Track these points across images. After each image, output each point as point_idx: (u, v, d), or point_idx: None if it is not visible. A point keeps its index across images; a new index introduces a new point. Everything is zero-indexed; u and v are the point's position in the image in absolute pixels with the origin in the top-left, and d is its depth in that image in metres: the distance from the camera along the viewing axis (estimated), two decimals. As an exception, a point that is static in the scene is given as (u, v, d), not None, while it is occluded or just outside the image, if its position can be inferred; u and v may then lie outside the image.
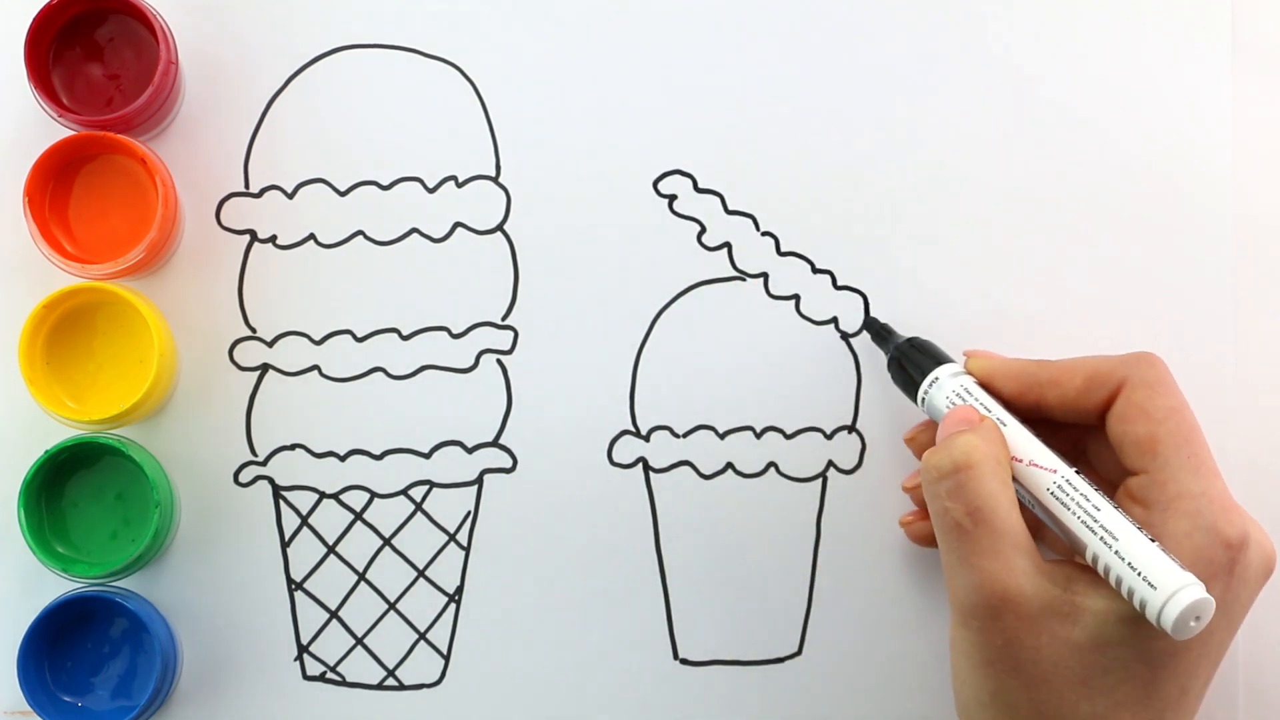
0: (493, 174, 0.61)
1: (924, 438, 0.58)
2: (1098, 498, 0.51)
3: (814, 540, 0.60)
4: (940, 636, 0.60)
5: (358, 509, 0.60)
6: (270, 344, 0.60)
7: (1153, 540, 0.49)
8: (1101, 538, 0.49)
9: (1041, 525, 0.54)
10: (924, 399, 0.56)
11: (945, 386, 0.55)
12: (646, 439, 0.60)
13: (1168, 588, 0.47)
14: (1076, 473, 0.52)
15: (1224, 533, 0.49)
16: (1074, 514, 0.51)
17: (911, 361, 0.57)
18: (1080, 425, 0.54)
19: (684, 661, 0.60)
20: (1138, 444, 0.51)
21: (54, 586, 0.58)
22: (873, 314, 0.60)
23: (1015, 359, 0.55)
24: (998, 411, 0.54)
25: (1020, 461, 0.52)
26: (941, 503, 0.51)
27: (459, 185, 0.61)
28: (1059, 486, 0.51)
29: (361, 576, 0.60)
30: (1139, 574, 0.48)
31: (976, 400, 0.54)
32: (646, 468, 0.60)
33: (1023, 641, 0.49)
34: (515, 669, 0.60)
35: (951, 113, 0.61)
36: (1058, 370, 0.54)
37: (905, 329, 0.60)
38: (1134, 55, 0.61)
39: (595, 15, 0.61)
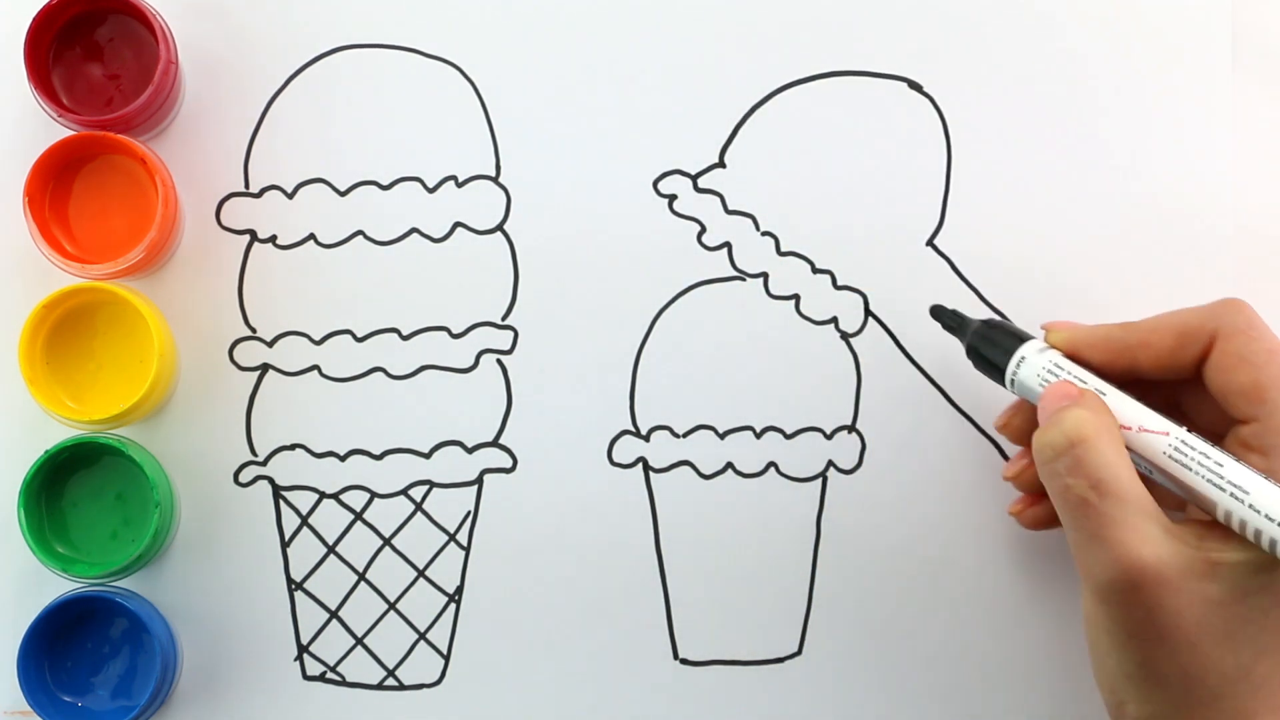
0: (493, 174, 0.61)
1: (1018, 421, 0.57)
2: (1218, 453, 0.50)
3: (814, 540, 0.60)
4: (940, 636, 0.60)
5: (358, 509, 0.60)
6: (270, 344, 0.60)
7: None
8: (1231, 493, 0.49)
9: (1155, 487, 0.53)
10: (1013, 380, 0.55)
11: (1034, 364, 0.54)
12: (646, 439, 0.60)
13: None
14: (1188, 431, 0.51)
15: None
16: (1197, 473, 0.50)
17: (992, 344, 0.56)
18: (1174, 382, 0.54)
19: (684, 661, 0.60)
20: (1243, 392, 0.51)
21: (54, 586, 0.58)
22: (939, 303, 0.59)
23: (1097, 326, 0.55)
24: (1094, 382, 0.53)
25: (1130, 429, 0.51)
26: (1061, 480, 0.50)
27: (459, 185, 0.61)
28: (1175, 448, 0.51)
29: (361, 576, 0.60)
30: (1277, 522, 0.48)
31: (1069, 373, 0.53)
32: (646, 468, 0.60)
33: (1165, 608, 0.48)
34: (515, 669, 0.60)
35: (950, 114, 0.61)
36: (1145, 330, 0.53)
37: (905, 328, 0.60)
38: (1134, 55, 0.61)
39: (595, 15, 0.61)
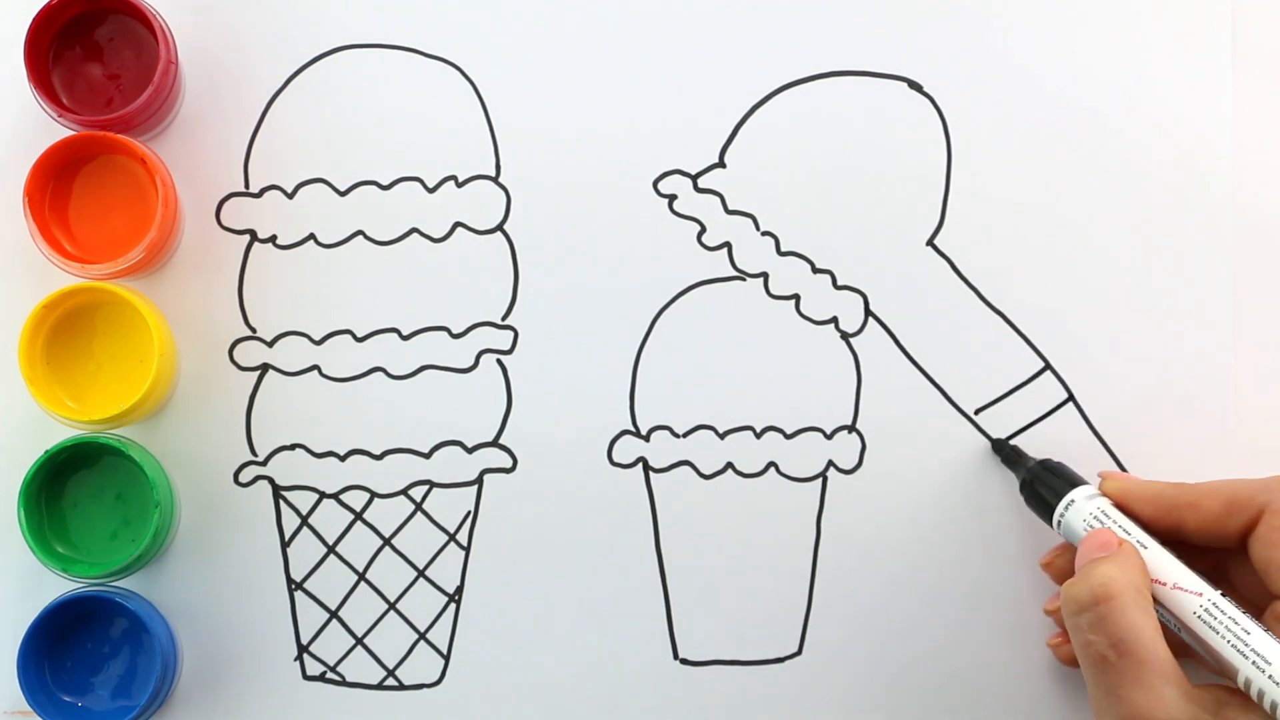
0: (493, 174, 0.61)
1: (1061, 561, 0.58)
2: (1246, 620, 0.50)
3: (814, 540, 0.60)
4: (940, 636, 0.60)
5: (358, 509, 0.60)
6: (270, 344, 0.60)
7: None
8: (1254, 661, 0.49)
9: (1186, 646, 0.53)
10: (1059, 522, 0.56)
11: (1082, 509, 0.55)
12: (646, 439, 0.60)
13: None
14: (1222, 595, 0.51)
15: None
16: (1223, 637, 0.50)
17: (1045, 484, 0.57)
18: (1220, 549, 0.54)
19: (684, 661, 0.60)
20: None
21: (54, 586, 0.58)
22: (1000, 438, 0.60)
23: (1152, 481, 0.55)
24: (1137, 534, 0.53)
25: (1164, 585, 0.52)
26: (1084, 635, 0.50)
27: (459, 185, 0.61)
28: (1205, 610, 0.51)
29: (361, 576, 0.60)
30: None
31: (1114, 523, 0.54)
32: (646, 468, 0.60)
33: None
34: (515, 669, 0.60)
35: (951, 113, 0.61)
36: (1196, 494, 0.54)
37: (905, 328, 0.60)
38: (1134, 55, 0.61)
39: (595, 15, 0.61)
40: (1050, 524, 0.56)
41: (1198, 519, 0.53)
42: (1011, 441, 0.59)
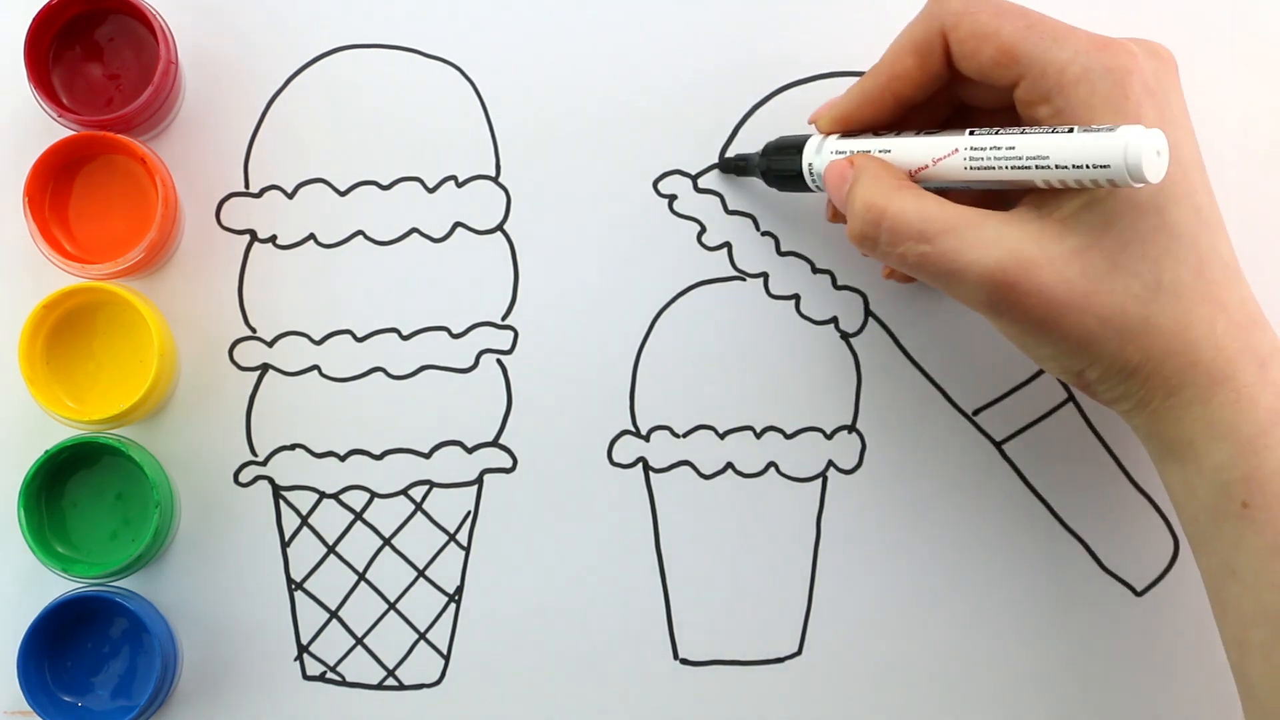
0: (493, 174, 0.61)
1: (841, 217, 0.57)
2: (1004, 139, 0.50)
3: (814, 540, 0.60)
4: (940, 636, 0.60)
5: (358, 509, 0.60)
6: (270, 344, 0.60)
7: (1071, 130, 0.49)
8: (1036, 167, 0.49)
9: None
10: (818, 186, 0.56)
11: (823, 160, 0.55)
12: (646, 439, 0.60)
13: (1115, 151, 0.47)
14: (970, 132, 0.51)
15: (1109, 64, 0.50)
16: (1001, 169, 0.50)
17: (780, 164, 0.57)
18: (947, 93, 0.54)
19: (684, 661, 0.60)
20: (997, 64, 0.51)
21: (54, 586, 0.58)
22: (720, 158, 0.60)
23: (849, 90, 0.55)
24: (874, 144, 0.53)
25: (926, 166, 0.52)
26: (895, 253, 0.51)
27: (459, 185, 0.61)
28: (970, 160, 0.51)
29: (361, 576, 0.60)
30: (1086, 165, 0.48)
31: (850, 151, 0.54)
32: (646, 468, 0.60)
33: (1048, 283, 0.49)
34: (515, 669, 0.60)
35: (951, 113, 0.61)
36: (887, 66, 0.53)
37: (905, 328, 0.60)
38: (1134, 55, 0.61)
39: (595, 15, 0.61)
40: (811, 191, 0.57)
41: (907, 85, 0.53)
42: (730, 155, 0.60)
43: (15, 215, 0.58)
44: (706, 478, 0.60)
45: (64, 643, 0.58)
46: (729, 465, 0.60)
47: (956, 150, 0.51)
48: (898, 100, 0.54)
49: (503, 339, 0.60)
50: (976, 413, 0.60)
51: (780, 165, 0.57)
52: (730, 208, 0.61)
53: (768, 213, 0.61)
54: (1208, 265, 0.50)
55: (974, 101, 0.55)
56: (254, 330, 0.60)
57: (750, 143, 0.60)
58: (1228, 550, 0.50)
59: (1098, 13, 0.61)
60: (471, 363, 0.60)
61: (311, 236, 0.60)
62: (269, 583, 0.60)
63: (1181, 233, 0.50)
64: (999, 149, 0.50)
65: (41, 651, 0.57)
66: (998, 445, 0.60)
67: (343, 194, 0.61)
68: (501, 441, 0.60)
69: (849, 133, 0.55)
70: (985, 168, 0.51)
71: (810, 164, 0.56)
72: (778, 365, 0.60)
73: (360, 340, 0.60)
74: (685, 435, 0.60)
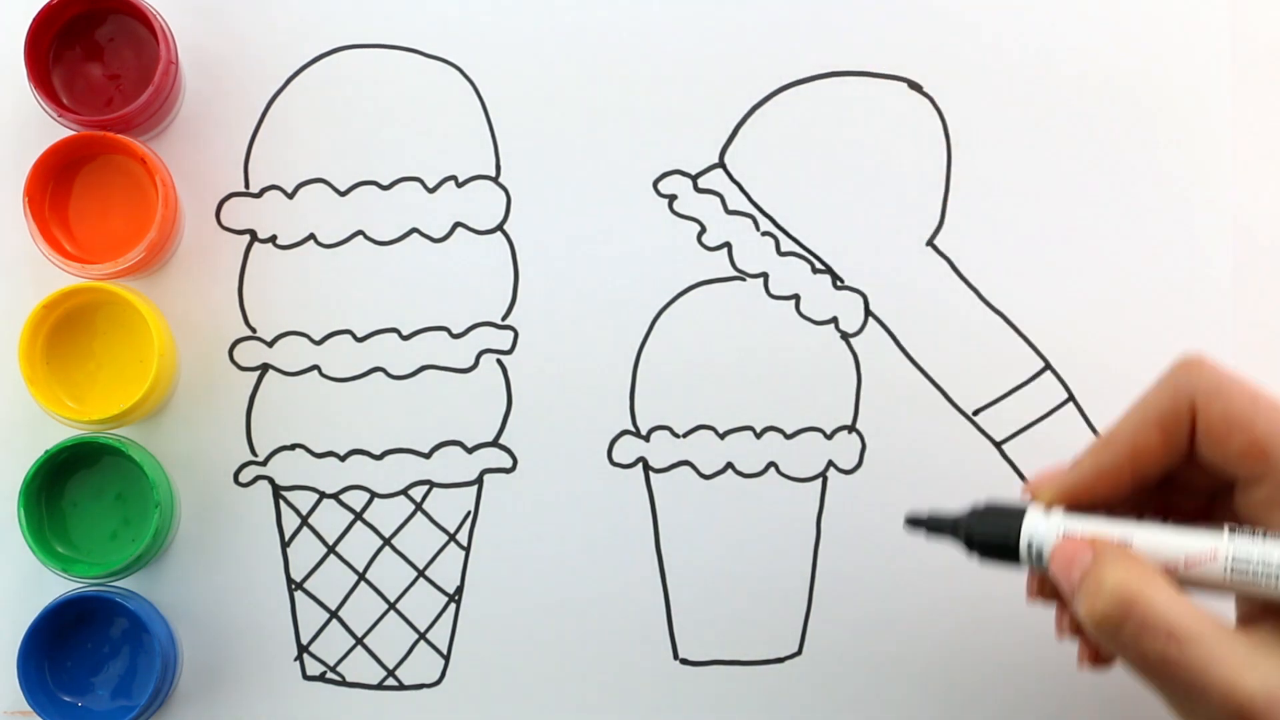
0: (493, 174, 0.61)
1: (1049, 585, 0.52)
2: (1272, 548, 0.46)
3: (814, 540, 0.60)
4: (939, 636, 0.60)
5: (358, 509, 0.60)
6: (270, 344, 0.60)
7: None
8: None
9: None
10: (1034, 562, 0.50)
11: (1047, 539, 0.49)
12: (646, 439, 0.60)
13: None
14: (1229, 531, 0.47)
15: None
16: (1266, 582, 0.46)
17: (990, 531, 0.50)
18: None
19: (684, 661, 0.60)
20: (1243, 455, 0.47)
21: (54, 586, 0.58)
22: (910, 513, 0.53)
23: (1078, 461, 0.50)
24: (1110, 530, 0.48)
25: (1177, 566, 0.47)
26: (1135, 648, 0.45)
27: (459, 185, 0.61)
28: (1232, 568, 0.47)
29: (361, 576, 0.60)
30: None
31: (1082, 532, 0.49)
32: (646, 468, 0.60)
33: None
34: (515, 669, 0.60)
35: (950, 114, 0.61)
36: (1127, 440, 0.49)
37: (905, 328, 0.60)
38: (1134, 55, 0.61)
39: (595, 15, 0.61)
40: (1020, 564, 0.51)
41: (1150, 461, 0.49)
42: (927, 515, 0.53)
43: (15, 215, 0.58)
44: (706, 478, 0.60)
45: (64, 643, 0.58)
46: (729, 465, 0.60)
47: (1215, 554, 0.47)
48: (1136, 477, 0.49)
49: (503, 339, 0.60)
50: (976, 413, 0.60)
51: (990, 532, 0.50)
52: (730, 208, 0.61)
53: (768, 213, 0.61)
54: None
55: (1184, 478, 0.50)
56: (254, 330, 0.60)
57: (750, 143, 0.61)
58: None
59: (1098, 13, 0.61)
60: (471, 363, 0.60)
61: (311, 236, 0.60)
62: (269, 583, 0.60)
63: None
64: (1269, 563, 0.46)
65: (41, 651, 0.57)
66: (998, 445, 0.60)
67: (343, 194, 0.61)
68: (501, 441, 0.60)
69: (1075, 507, 0.50)
70: (1249, 579, 0.46)
71: (1031, 539, 0.49)
72: (778, 365, 0.60)
73: (360, 340, 0.60)
74: (685, 435, 0.60)
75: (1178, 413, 0.48)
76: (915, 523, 0.52)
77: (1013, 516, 0.50)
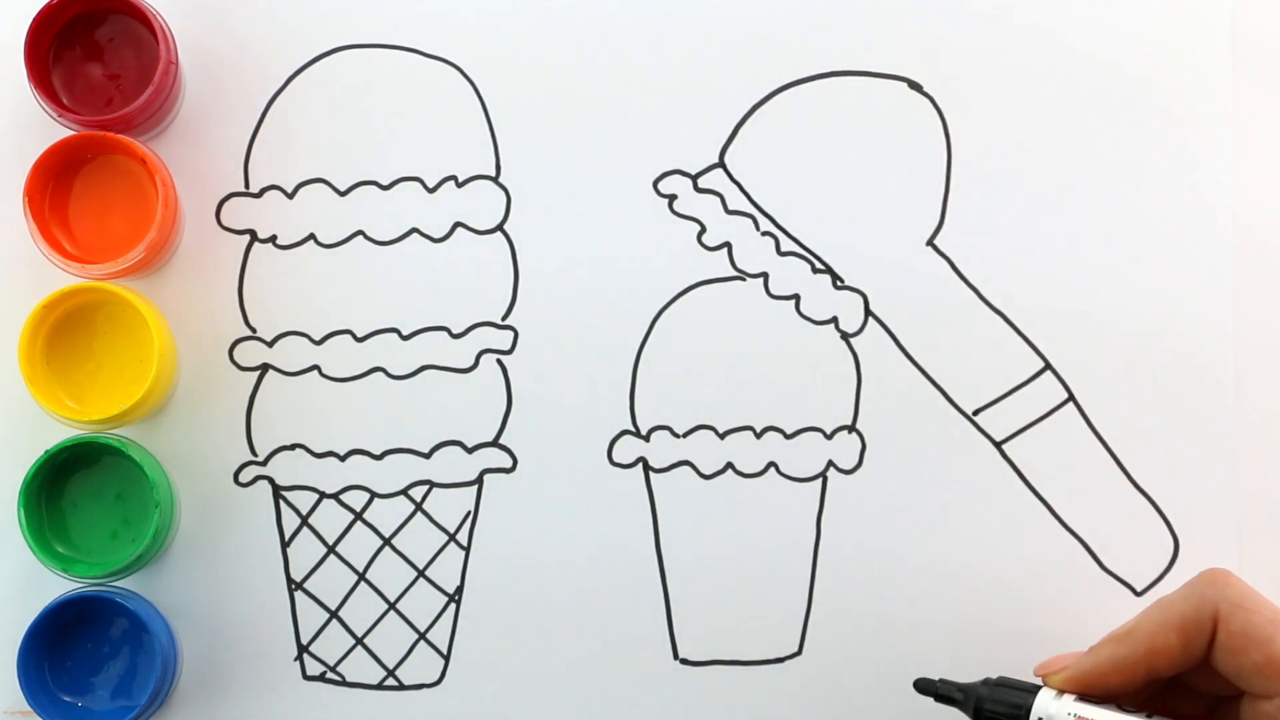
0: (493, 174, 0.61)
1: None
2: None
3: (814, 540, 0.60)
4: (940, 636, 0.60)
5: (358, 509, 0.60)
6: (270, 344, 0.60)
7: None
8: None
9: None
10: None
11: (1056, 717, 0.51)
12: (646, 439, 0.60)
13: None
14: None
15: None
16: None
17: (1002, 704, 0.52)
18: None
19: (684, 661, 0.60)
20: (1258, 670, 0.49)
21: (54, 586, 0.58)
22: (920, 679, 0.55)
23: (1095, 649, 0.52)
24: None
25: None
26: None
27: (459, 185, 0.61)
28: None
29: (361, 576, 0.60)
30: None
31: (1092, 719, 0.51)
32: (646, 468, 0.60)
33: None
34: (515, 669, 0.60)
35: (950, 114, 0.61)
36: (1147, 637, 0.50)
37: (905, 328, 0.60)
38: (1134, 55, 0.61)
39: (595, 15, 0.61)
40: None
41: (1164, 661, 0.50)
42: (938, 681, 0.54)
43: (15, 215, 0.58)
44: (706, 478, 0.60)
45: (64, 643, 0.58)
46: (729, 465, 0.60)
47: None
48: (1150, 675, 0.50)
49: (503, 339, 0.60)
50: (976, 413, 0.60)
51: (1002, 704, 0.52)
52: (730, 208, 0.61)
53: (767, 212, 0.61)
54: None
55: (1192, 681, 0.52)
56: (254, 330, 0.60)
57: (751, 142, 0.60)
58: None
59: (1098, 13, 0.61)
60: (471, 363, 0.60)
61: (311, 236, 0.60)
62: (269, 583, 0.60)
63: None
64: None
65: (41, 651, 0.57)
66: (998, 445, 0.60)
67: (343, 194, 0.61)
68: (501, 441, 0.60)
69: (1086, 695, 0.51)
70: None
71: (1041, 718, 0.51)
72: (778, 365, 0.60)
73: (360, 340, 0.60)
74: (685, 435, 0.60)
75: (1200, 621, 0.50)
76: (925, 689, 0.54)
77: (1025, 693, 0.52)
